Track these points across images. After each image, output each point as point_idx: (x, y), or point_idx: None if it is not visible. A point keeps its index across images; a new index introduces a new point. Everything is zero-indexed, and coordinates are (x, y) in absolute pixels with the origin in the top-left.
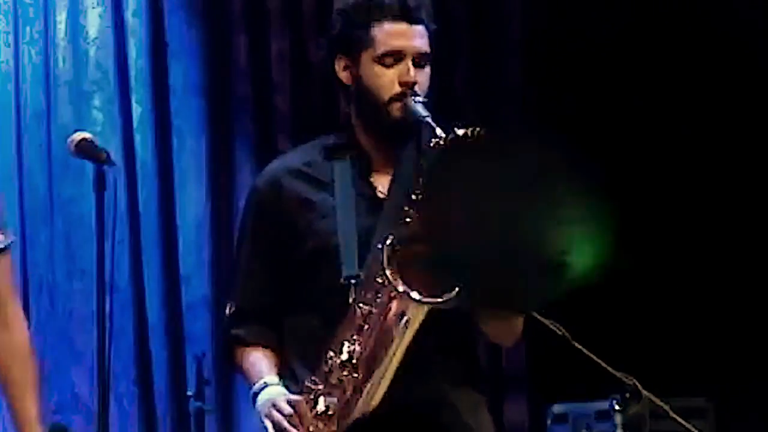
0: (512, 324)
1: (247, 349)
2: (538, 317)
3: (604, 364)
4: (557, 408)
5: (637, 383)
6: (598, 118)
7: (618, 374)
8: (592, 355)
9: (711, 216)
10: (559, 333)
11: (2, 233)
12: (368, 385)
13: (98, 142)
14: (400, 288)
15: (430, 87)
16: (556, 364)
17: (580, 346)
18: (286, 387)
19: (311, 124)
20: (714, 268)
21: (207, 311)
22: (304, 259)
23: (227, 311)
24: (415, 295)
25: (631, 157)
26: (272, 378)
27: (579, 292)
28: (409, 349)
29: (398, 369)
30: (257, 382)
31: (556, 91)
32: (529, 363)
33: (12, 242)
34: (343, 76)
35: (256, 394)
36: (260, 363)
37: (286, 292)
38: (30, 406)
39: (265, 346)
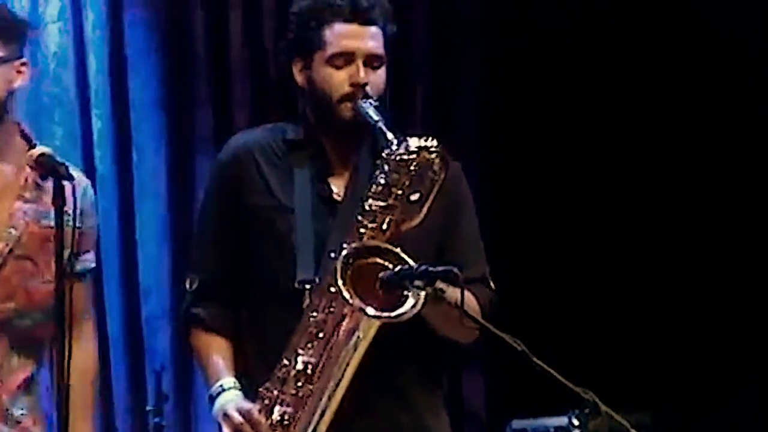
0: (449, 312)
1: (207, 336)
2: (497, 332)
3: (562, 379)
4: (516, 424)
5: (595, 398)
6: (561, 119)
7: (576, 389)
8: (550, 370)
9: (665, 229)
10: (519, 349)
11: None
12: (324, 396)
13: (58, 156)
14: (354, 303)
15: (388, 90)
16: (515, 380)
17: (538, 362)
18: (242, 387)
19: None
20: (665, 283)
21: (167, 325)
22: (259, 256)
23: (188, 286)
24: (369, 311)
25: (590, 161)
26: (228, 381)
27: (536, 307)
28: (367, 351)
29: (357, 371)
30: (214, 384)
31: (519, 93)
32: (488, 379)
33: (94, 267)
34: (299, 78)
35: (213, 397)
36: (218, 360)
37: (244, 281)
38: (83, 428)
39: (224, 335)
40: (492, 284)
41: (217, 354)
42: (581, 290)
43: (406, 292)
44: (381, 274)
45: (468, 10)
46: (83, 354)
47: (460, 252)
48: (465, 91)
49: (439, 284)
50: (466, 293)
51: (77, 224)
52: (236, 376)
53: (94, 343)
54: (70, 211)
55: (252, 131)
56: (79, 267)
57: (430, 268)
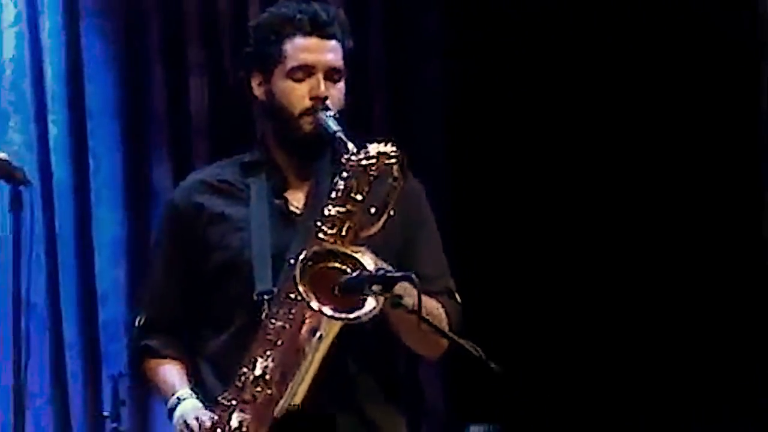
0: (410, 319)
1: (158, 360)
2: (455, 338)
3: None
4: (474, 429)
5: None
6: (523, 132)
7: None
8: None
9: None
10: (477, 354)
11: None
12: (282, 401)
13: (15, 162)
14: (313, 304)
15: (346, 100)
16: (473, 385)
17: (496, 367)
18: (200, 401)
19: (229, 143)
20: (633, 293)
21: (123, 331)
22: (215, 272)
23: (136, 322)
24: (327, 311)
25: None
26: (185, 392)
27: (501, 320)
28: (325, 364)
29: (315, 385)
30: (171, 397)
31: (479, 105)
32: (446, 384)
33: None
34: (258, 92)
35: (171, 410)
36: (172, 377)
37: (198, 305)
38: None
39: (174, 358)
40: (458, 297)
41: (170, 372)
42: (546, 302)
43: (364, 297)
44: (341, 279)
45: (425, 22)
46: None
47: (423, 266)
48: (424, 105)
49: (398, 290)
50: (433, 303)
51: None
52: (192, 389)
53: None
54: None
55: (205, 168)
56: None
57: (388, 273)
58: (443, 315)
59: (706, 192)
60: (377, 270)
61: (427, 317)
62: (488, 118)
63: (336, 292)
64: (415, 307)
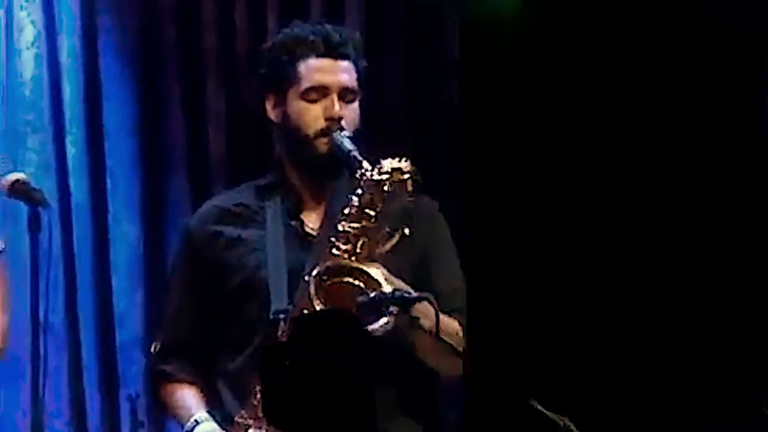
0: (428, 339)
1: (174, 385)
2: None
3: (538, 406)
4: None
5: (570, 424)
6: (544, 156)
7: (551, 415)
8: (529, 400)
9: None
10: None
11: None
12: None
13: (33, 183)
14: None
15: (362, 120)
16: (492, 406)
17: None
18: (217, 422)
19: (246, 164)
20: (646, 317)
21: (141, 352)
22: (232, 294)
23: (153, 348)
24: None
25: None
26: (202, 414)
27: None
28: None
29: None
30: (188, 420)
31: (498, 129)
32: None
33: (2, 249)
34: (272, 114)
35: None
36: (188, 400)
37: (216, 327)
38: None
39: (191, 383)
40: None
41: (186, 396)
42: (563, 324)
43: (381, 318)
44: (358, 299)
45: (444, 42)
46: None
47: (439, 283)
48: (441, 125)
49: (416, 311)
50: (452, 321)
51: None
52: (208, 412)
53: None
54: None
55: (221, 194)
56: None
57: (406, 294)
58: (462, 334)
59: (718, 191)
60: (394, 291)
61: (446, 338)
62: (505, 137)
63: (351, 308)
64: (433, 329)
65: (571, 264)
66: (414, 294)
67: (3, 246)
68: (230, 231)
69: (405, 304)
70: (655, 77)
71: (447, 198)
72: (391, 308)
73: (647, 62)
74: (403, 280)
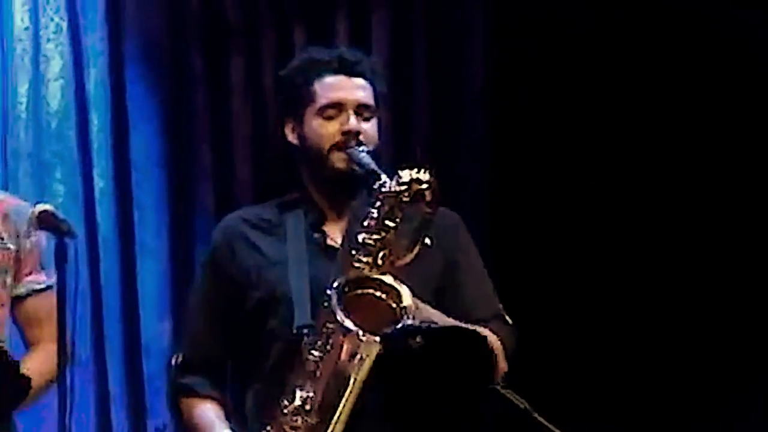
0: None
1: (196, 400)
2: (501, 390)
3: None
4: None
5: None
6: (569, 171)
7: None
8: (551, 427)
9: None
10: (521, 407)
11: (44, 273)
12: (326, 427)
13: (60, 214)
14: (350, 326)
15: (387, 141)
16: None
17: (541, 419)
18: None
19: (273, 194)
20: (671, 328)
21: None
22: (254, 308)
23: (174, 361)
24: (361, 334)
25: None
26: (223, 429)
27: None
28: (365, 393)
29: (354, 415)
30: None
31: (524, 149)
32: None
33: (53, 284)
34: (292, 137)
35: None
36: (210, 416)
37: (239, 342)
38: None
39: (213, 398)
40: (508, 319)
41: (209, 412)
42: (588, 341)
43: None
44: (383, 330)
45: (470, 67)
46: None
47: (467, 294)
48: (467, 149)
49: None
50: (486, 332)
51: (13, 246)
52: (231, 427)
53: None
54: (4, 236)
55: (244, 209)
56: (22, 290)
57: (432, 325)
58: (497, 341)
59: (746, 193)
60: (422, 322)
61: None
62: (532, 150)
63: (373, 319)
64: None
65: (596, 278)
66: (440, 324)
67: (54, 281)
68: (252, 243)
69: (432, 335)
70: (678, 90)
71: (471, 210)
72: (418, 338)
73: (670, 80)
74: (428, 291)
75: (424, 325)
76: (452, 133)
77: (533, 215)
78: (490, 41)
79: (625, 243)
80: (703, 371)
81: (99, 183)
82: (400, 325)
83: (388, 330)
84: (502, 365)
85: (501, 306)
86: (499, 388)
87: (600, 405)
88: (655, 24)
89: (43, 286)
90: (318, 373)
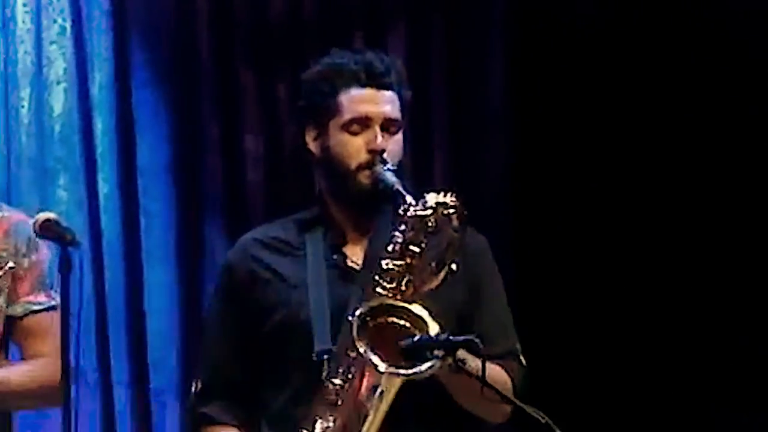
0: (472, 384)
1: (216, 428)
2: (520, 404)
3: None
4: None
5: None
6: (592, 192)
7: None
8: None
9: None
10: (543, 421)
11: (44, 294)
12: None
13: (63, 222)
14: (371, 358)
15: (407, 154)
16: None
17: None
18: None
19: (286, 202)
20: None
21: (176, 399)
22: (273, 333)
23: (193, 388)
24: (381, 367)
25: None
26: None
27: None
28: (387, 422)
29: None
30: None
31: (546, 144)
32: None
33: (55, 305)
34: (313, 146)
35: None
36: None
37: (256, 368)
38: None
39: (233, 425)
40: (522, 359)
41: None
42: (612, 364)
43: (426, 362)
44: (400, 342)
45: (492, 74)
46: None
47: (486, 326)
48: (489, 159)
49: (461, 354)
50: (495, 367)
51: (10, 264)
52: None
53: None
54: (3, 254)
55: (261, 227)
56: (18, 309)
57: (451, 337)
58: (507, 380)
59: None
60: (439, 334)
61: (492, 383)
62: (556, 169)
63: (395, 348)
64: (479, 373)
65: (628, 305)
66: (460, 338)
67: (55, 302)
68: (270, 264)
69: (451, 347)
70: (700, 100)
71: (494, 231)
72: (436, 352)
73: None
74: (453, 317)
75: (443, 336)
76: (473, 152)
77: (556, 232)
78: (510, 61)
79: (652, 264)
80: (731, 390)
81: (104, 189)
82: (417, 338)
83: (409, 342)
84: (506, 407)
85: (518, 344)
86: (520, 403)
87: (626, 423)
88: (677, 36)
89: (40, 307)
90: (339, 402)
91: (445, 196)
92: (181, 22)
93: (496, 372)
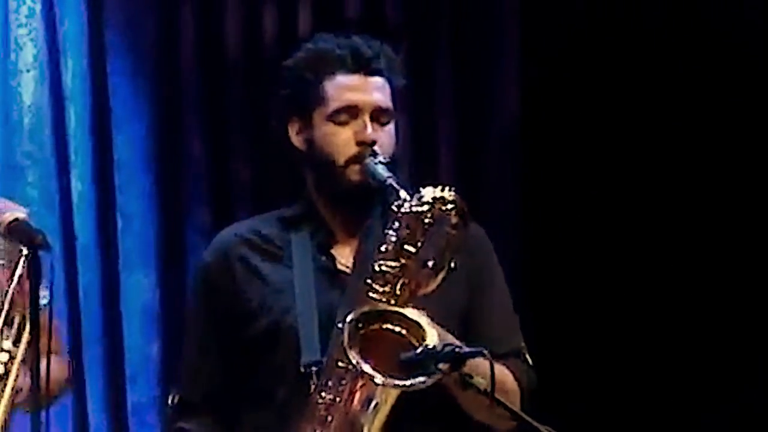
0: (483, 403)
1: None
2: (528, 419)
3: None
4: None
5: None
6: (602, 182)
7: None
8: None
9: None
10: None
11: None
12: None
13: (32, 223)
14: (365, 369)
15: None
16: None
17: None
18: None
19: (273, 199)
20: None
21: (156, 415)
22: (256, 341)
23: (170, 401)
24: (378, 379)
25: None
26: None
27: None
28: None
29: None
30: None
31: (557, 150)
32: None
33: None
34: (297, 140)
35: None
36: None
37: (238, 378)
38: None
39: None
40: (528, 358)
41: None
42: (621, 362)
43: (428, 375)
44: (402, 356)
45: (499, 59)
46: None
47: (489, 325)
48: (496, 149)
49: (468, 368)
50: (503, 370)
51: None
52: None
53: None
54: None
55: (240, 223)
56: None
57: (457, 349)
58: (516, 389)
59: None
60: (444, 346)
61: (501, 397)
62: (567, 163)
63: (390, 355)
64: (488, 388)
65: (637, 302)
66: (466, 349)
67: (48, 299)
68: (252, 264)
69: (457, 360)
70: (714, 106)
71: (501, 228)
72: (441, 365)
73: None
74: (454, 318)
75: (448, 348)
76: (481, 125)
77: (567, 238)
78: (521, 76)
79: (658, 268)
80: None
81: (77, 187)
82: (420, 350)
83: (411, 354)
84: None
85: (523, 343)
86: (530, 419)
87: (631, 424)
88: (690, 48)
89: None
90: (329, 419)
91: (442, 190)
92: (163, 4)
93: (505, 380)
